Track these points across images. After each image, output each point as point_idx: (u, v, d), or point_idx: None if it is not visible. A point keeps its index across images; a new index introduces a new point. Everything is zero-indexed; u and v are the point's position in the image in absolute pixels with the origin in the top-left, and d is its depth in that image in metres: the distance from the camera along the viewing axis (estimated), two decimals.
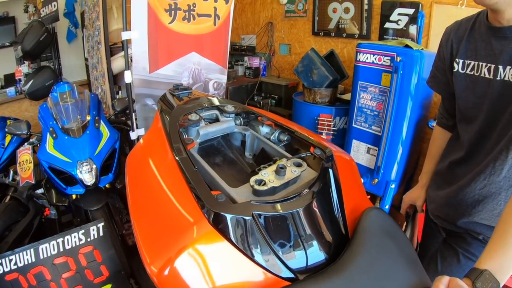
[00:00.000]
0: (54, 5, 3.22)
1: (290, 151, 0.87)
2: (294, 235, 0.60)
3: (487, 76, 0.94)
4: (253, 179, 0.63)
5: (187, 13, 1.97)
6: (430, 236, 1.31)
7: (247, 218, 0.54)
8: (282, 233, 0.59)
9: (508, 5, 0.83)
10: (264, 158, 0.86)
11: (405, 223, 1.40)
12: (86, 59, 3.75)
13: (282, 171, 0.65)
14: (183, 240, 0.52)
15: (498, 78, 0.91)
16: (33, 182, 1.84)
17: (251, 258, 0.55)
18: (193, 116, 0.81)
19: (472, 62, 0.99)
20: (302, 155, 0.77)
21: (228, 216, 0.53)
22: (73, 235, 1.57)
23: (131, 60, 1.90)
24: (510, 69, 0.88)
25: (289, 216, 0.60)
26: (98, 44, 2.45)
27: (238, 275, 0.54)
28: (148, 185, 0.68)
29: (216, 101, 0.96)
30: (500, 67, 0.90)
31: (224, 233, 0.53)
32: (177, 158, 0.66)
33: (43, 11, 3.34)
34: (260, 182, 0.62)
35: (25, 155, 1.87)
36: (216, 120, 0.92)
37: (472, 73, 0.99)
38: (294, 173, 0.67)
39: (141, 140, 0.87)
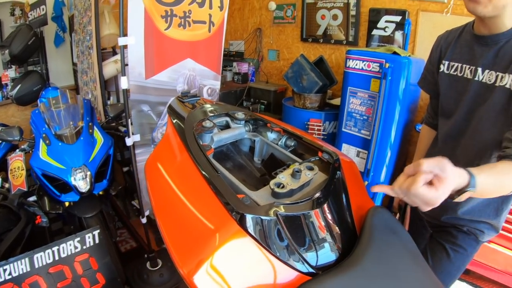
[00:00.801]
0: (43, 9, 3.19)
1: (296, 155, 0.91)
2: (311, 233, 0.64)
3: (468, 76, 1.08)
4: (272, 182, 0.66)
5: (182, 19, 1.98)
6: (417, 233, 1.39)
7: (272, 218, 0.58)
8: (301, 232, 0.63)
9: (494, 15, 0.94)
10: (272, 162, 0.90)
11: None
12: (74, 64, 3.71)
13: (297, 175, 0.69)
14: (214, 242, 0.55)
15: (476, 79, 1.04)
16: (25, 189, 1.81)
17: (276, 255, 0.58)
18: (207, 123, 0.84)
19: (456, 64, 1.13)
20: (312, 159, 0.81)
21: (255, 217, 0.57)
22: (68, 243, 1.56)
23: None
24: (487, 72, 1.02)
25: (307, 216, 0.64)
26: (89, 49, 2.42)
27: (265, 272, 0.58)
28: (172, 191, 0.71)
29: (225, 108, 0.99)
30: (479, 69, 1.04)
31: (251, 233, 0.57)
32: (198, 164, 0.69)
33: (31, 14, 3.29)
34: (279, 185, 0.66)
35: (17, 162, 1.83)
36: (227, 126, 0.96)
37: (455, 73, 1.12)
38: (308, 176, 0.71)
39: (158, 146, 0.89)
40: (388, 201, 2.89)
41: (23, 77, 3.09)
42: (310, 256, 0.63)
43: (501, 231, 1.97)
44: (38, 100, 2.46)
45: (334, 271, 0.62)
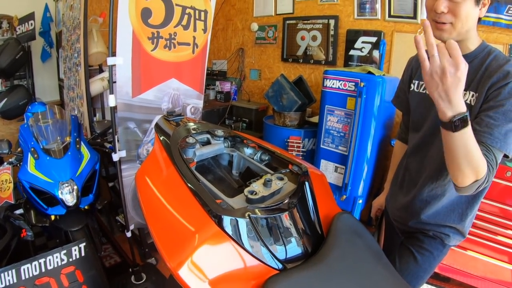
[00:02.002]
0: (31, 24, 3.23)
1: (271, 168, 1.02)
2: (281, 233, 0.75)
3: None
4: (246, 190, 0.77)
5: (168, 41, 2.10)
6: (391, 241, 1.48)
7: (245, 219, 0.69)
8: (271, 232, 0.74)
9: (459, 40, 1.04)
10: (249, 175, 1.00)
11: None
12: (60, 80, 3.73)
13: (268, 184, 0.80)
14: (196, 240, 0.65)
15: None
16: (13, 202, 1.83)
17: (249, 252, 0.68)
18: (190, 139, 0.95)
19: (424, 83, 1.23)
20: (283, 171, 0.92)
21: (231, 219, 0.67)
22: (55, 255, 1.58)
23: (108, 82, 1.98)
24: None
25: (277, 218, 0.75)
26: (77, 66, 2.49)
27: (239, 265, 0.68)
28: (159, 198, 0.81)
29: (207, 126, 1.10)
30: None
31: (228, 232, 0.67)
32: (183, 175, 0.79)
33: (19, 28, 3.32)
34: (252, 192, 0.76)
35: (4, 174, 1.86)
36: (208, 142, 1.06)
37: (424, 91, 1.21)
38: (278, 185, 0.82)
39: (147, 160, 0.99)
40: (367, 214, 3.00)
41: (9, 91, 3.12)
42: (279, 253, 0.74)
43: (479, 239, 2.11)
44: (25, 115, 2.49)
45: (300, 266, 0.73)
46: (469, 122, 0.83)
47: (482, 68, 1.04)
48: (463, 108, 0.82)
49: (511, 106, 0.94)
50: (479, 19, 1.05)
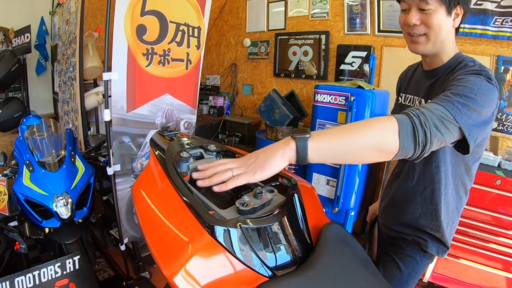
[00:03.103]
0: (27, 37, 3.26)
1: (261, 181, 1.07)
2: (271, 242, 0.79)
3: (417, 106, 1.20)
4: (237, 201, 0.81)
5: (162, 57, 2.16)
6: (382, 250, 1.50)
7: (236, 229, 0.73)
8: (262, 241, 0.78)
9: (434, 52, 1.10)
10: (240, 187, 1.05)
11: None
12: (54, 93, 3.75)
13: (259, 196, 0.84)
14: (190, 249, 0.69)
15: None
16: (7, 214, 1.85)
17: (240, 259, 0.73)
18: (184, 154, 0.99)
19: (410, 96, 1.30)
20: (273, 184, 0.97)
21: (223, 229, 0.71)
22: (49, 268, 1.59)
23: (103, 97, 2.02)
24: (424, 101, 1.18)
25: (267, 228, 0.79)
26: (72, 80, 2.52)
27: (231, 272, 0.72)
28: (155, 210, 0.85)
29: (200, 141, 1.15)
30: (422, 100, 1.20)
31: (220, 242, 0.71)
32: (177, 187, 0.84)
33: (15, 41, 3.35)
34: (243, 203, 0.81)
35: None
36: (201, 157, 1.11)
37: (409, 104, 1.29)
38: (268, 197, 0.86)
39: (143, 174, 1.03)
40: (360, 226, 3.04)
41: (4, 103, 3.13)
42: (270, 261, 0.78)
43: (472, 248, 2.15)
44: (19, 127, 2.51)
45: (290, 274, 0.77)
46: (308, 131, 0.77)
47: (450, 77, 1.03)
48: (285, 144, 0.77)
49: (466, 82, 0.91)
50: (456, 30, 1.10)
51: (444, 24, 1.03)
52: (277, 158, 0.78)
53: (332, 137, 0.77)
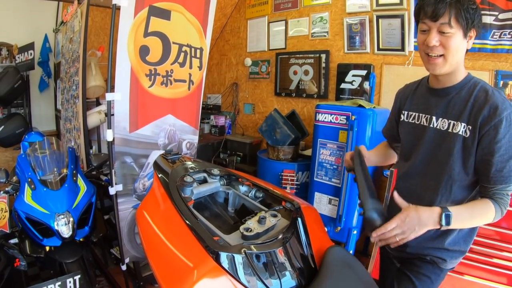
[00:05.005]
0: (31, 53, 3.30)
1: (265, 205, 1.08)
2: (275, 268, 0.80)
3: (424, 123, 1.23)
4: (242, 227, 0.82)
5: (165, 78, 2.19)
6: (386, 270, 1.49)
7: (241, 255, 0.74)
8: (266, 266, 0.79)
9: (449, 72, 1.13)
10: (244, 212, 1.06)
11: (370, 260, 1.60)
12: (57, 110, 3.77)
13: (263, 221, 0.85)
14: (195, 275, 0.69)
15: (431, 126, 1.20)
16: (7, 231, 1.83)
17: (245, 285, 0.73)
18: (188, 178, 1.01)
19: (414, 113, 1.30)
20: (276, 208, 0.98)
21: (227, 255, 0.72)
22: (49, 286, 1.58)
23: (106, 116, 2.03)
24: (441, 120, 1.18)
25: (271, 254, 0.80)
26: (75, 99, 2.53)
27: None
28: (159, 234, 0.86)
29: (203, 165, 1.17)
30: (434, 117, 1.20)
31: (225, 268, 0.72)
32: (181, 213, 0.85)
33: (18, 57, 3.39)
34: (248, 229, 0.82)
35: (0, 203, 1.87)
36: (205, 181, 1.13)
37: (413, 121, 1.29)
38: (272, 222, 0.87)
39: (147, 197, 1.05)
40: (362, 244, 3.01)
41: (6, 119, 3.14)
42: (274, 286, 0.78)
43: (475, 263, 2.12)
44: (21, 144, 2.51)
45: None
46: (450, 212, 1.02)
47: (471, 100, 1.10)
48: (434, 221, 1.02)
49: (509, 142, 1.04)
50: (466, 50, 1.14)
51: (460, 46, 1.08)
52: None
53: (463, 224, 1.13)
